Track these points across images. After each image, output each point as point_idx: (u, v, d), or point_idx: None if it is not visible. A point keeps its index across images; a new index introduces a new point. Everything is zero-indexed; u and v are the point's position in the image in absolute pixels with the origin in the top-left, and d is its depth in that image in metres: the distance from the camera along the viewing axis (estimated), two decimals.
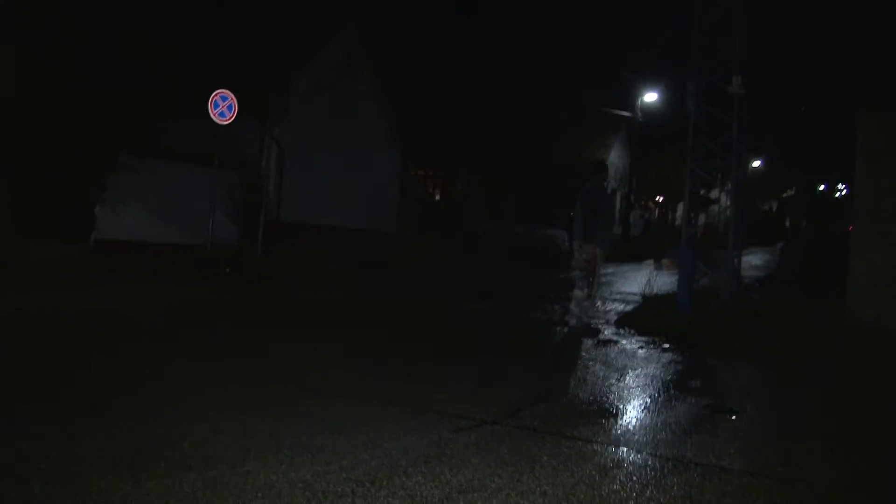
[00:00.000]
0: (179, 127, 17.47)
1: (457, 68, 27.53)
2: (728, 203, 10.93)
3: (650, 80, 30.49)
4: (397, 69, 24.00)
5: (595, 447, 4.54)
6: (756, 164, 35.43)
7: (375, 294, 12.68)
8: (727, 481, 4.02)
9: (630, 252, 28.01)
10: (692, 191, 10.63)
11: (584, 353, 7.88)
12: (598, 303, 11.74)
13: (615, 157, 35.35)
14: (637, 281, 17.77)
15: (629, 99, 31.46)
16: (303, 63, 19.82)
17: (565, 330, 9.38)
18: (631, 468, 4.16)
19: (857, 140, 8.60)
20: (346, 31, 21.55)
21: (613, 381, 6.56)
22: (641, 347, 8.31)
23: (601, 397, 5.92)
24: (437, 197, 33.08)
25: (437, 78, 26.59)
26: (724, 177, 11.65)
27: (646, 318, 9.71)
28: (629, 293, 14.37)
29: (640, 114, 31.24)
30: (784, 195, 45.91)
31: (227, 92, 14.09)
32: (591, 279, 9.13)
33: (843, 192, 41.82)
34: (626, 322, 9.86)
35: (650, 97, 31.15)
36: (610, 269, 21.71)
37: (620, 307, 11.83)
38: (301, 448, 4.17)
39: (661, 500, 3.70)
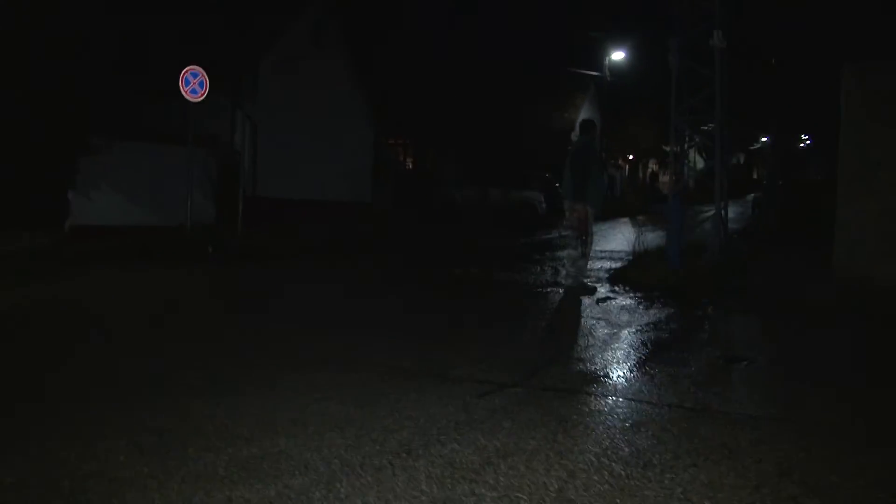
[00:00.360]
0: (149, 106, 17.11)
1: (425, 35, 27.20)
2: (697, 160, 10.97)
3: (617, 39, 30.46)
4: (366, 39, 23.66)
5: (620, 402, 4.57)
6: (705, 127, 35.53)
7: (364, 266, 12.60)
8: (756, 427, 4.08)
9: (605, 210, 28.13)
10: (677, 146, 10.60)
11: (585, 312, 7.91)
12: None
13: (585, 117, 35.33)
14: (615, 238, 17.95)
15: (597, 58, 31.43)
16: (271, 37, 19.44)
17: (561, 290, 9.39)
18: (661, 421, 4.19)
19: (841, 89, 8.65)
20: (315, 5, 21.16)
21: (621, 337, 6.60)
22: (640, 303, 8.36)
23: (613, 354, 5.95)
24: (410, 165, 32.87)
25: (406, 46, 26.21)
26: (694, 133, 11.69)
27: (638, 274, 9.76)
28: (612, 251, 14.48)
29: (608, 73, 31.23)
30: (751, 148, 46.41)
31: (197, 68, 13.74)
32: (583, 238, 9.13)
33: (808, 143, 42.40)
34: (620, 279, 9.92)
35: (618, 56, 31.16)
36: None
37: (608, 265, 11.88)
38: (328, 423, 4.12)
39: (700, 449, 3.72)
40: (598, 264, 12.12)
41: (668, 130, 11.32)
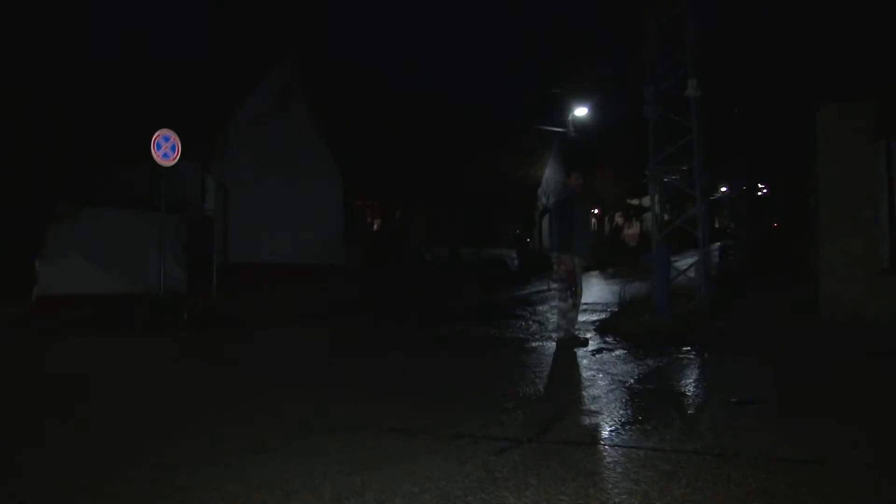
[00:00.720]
0: (117, 171, 16.88)
1: (391, 97, 27.54)
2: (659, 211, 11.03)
3: (580, 95, 31.13)
4: (332, 100, 23.86)
5: (642, 453, 4.41)
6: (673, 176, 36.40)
7: (346, 329, 12.35)
8: (791, 471, 3.95)
9: None
10: (656, 194, 10.67)
11: (583, 364, 7.77)
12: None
13: (550, 174, 35.85)
14: (590, 290, 17.90)
15: (561, 114, 32.06)
16: (239, 100, 19.49)
17: (553, 343, 9.26)
18: (691, 468, 4.04)
19: (818, 129, 8.82)
20: (280, 67, 21.32)
21: (626, 387, 6.46)
22: (636, 353, 8.27)
23: (622, 404, 5.81)
24: (376, 226, 32.89)
25: (372, 107, 26.48)
26: (670, 181, 11.82)
27: (627, 324, 9.70)
28: (591, 303, 14.41)
29: (572, 129, 31.80)
30: (711, 198, 47.30)
31: (169, 132, 13.59)
32: (572, 289, 9.05)
33: (764, 192, 43.40)
34: (609, 329, 9.84)
35: (581, 112, 31.77)
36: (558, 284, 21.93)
37: (591, 317, 11.82)
38: (343, 489, 3.90)
39: (740, 496, 3.58)
40: (581, 317, 12.04)
41: (645, 181, 11.42)
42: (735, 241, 22.17)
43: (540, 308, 14.28)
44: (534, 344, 9.44)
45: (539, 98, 32.38)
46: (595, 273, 26.33)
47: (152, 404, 6.16)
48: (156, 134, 13.56)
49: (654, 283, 10.19)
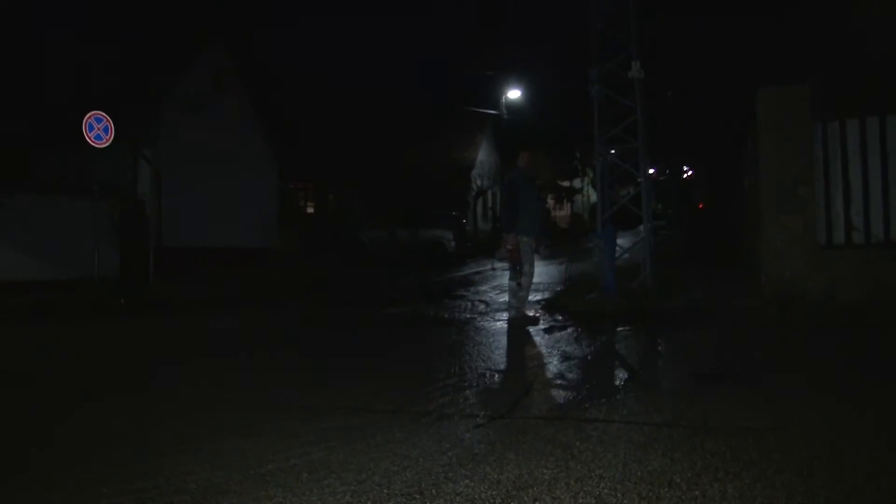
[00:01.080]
0: (42, 156, 16.20)
1: (323, 78, 27.15)
2: (591, 193, 11.21)
3: (514, 77, 31.31)
4: (265, 82, 23.39)
5: (615, 427, 4.47)
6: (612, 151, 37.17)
7: (291, 311, 12.18)
8: (761, 439, 4.07)
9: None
10: (602, 176, 10.82)
11: (538, 341, 7.84)
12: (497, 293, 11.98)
13: (483, 156, 36.02)
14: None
15: (493, 97, 32.17)
16: (171, 82, 18.87)
17: (502, 323, 9.31)
18: (665, 441, 4.12)
19: (758, 112, 9.08)
20: (212, 49, 20.74)
21: (586, 364, 6.57)
22: (589, 330, 8.39)
23: (585, 380, 5.91)
24: (311, 209, 32.46)
25: (305, 89, 26.06)
26: (587, 165, 12.00)
27: (574, 302, 9.83)
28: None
29: (504, 111, 31.97)
30: (639, 179, 48.26)
31: (101, 114, 13.08)
32: (517, 268, 9.09)
33: (690, 175, 44.59)
34: (557, 309, 9.94)
35: (514, 94, 31.96)
36: (495, 265, 22.12)
37: (535, 296, 11.90)
38: (321, 469, 3.84)
39: (716, 465, 3.68)
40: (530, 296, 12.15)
41: (576, 163, 11.53)
42: (668, 221, 22.73)
43: (482, 288, 14.35)
44: (484, 323, 9.46)
45: (473, 81, 32.38)
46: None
47: (100, 396, 5.93)
48: (87, 115, 13.05)
49: (600, 262, 10.35)
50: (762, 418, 4.52)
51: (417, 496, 3.46)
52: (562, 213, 48.43)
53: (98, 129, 13.04)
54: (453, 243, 24.16)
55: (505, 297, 12.11)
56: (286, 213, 24.39)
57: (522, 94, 32.25)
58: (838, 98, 8.75)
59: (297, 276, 17.77)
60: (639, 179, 10.75)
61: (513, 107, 33.09)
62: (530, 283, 9.00)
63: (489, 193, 35.66)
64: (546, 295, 11.99)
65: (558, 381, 5.85)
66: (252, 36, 23.42)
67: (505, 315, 9.64)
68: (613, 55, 10.65)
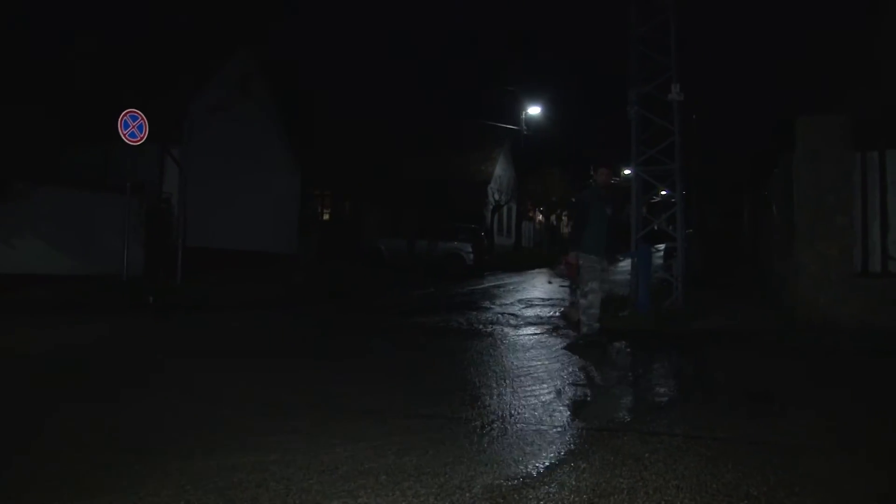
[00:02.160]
0: (69, 152, 16.36)
1: (347, 88, 27.36)
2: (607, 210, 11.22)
3: (535, 94, 31.53)
4: (291, 89, 23.58)
5: (682, 440, 4.54)
6: (627, 171, 37.38)
7: (320, 316, 12.23)
8: (827, 458, 4.17)
9: (520, 261, 28.79)
10: (637, 195, 10.93)
11: (582, 356, 7.78)
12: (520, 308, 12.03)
13: (501, 171, 36.19)
14: (545, 288, 18.23)
15: (513, 112, 32.40)
16: (200, 84, 19.04)
17: (539, 335, 9.37)
18: (734, 455, 4.20)
19: (796, 139, 9.20)
20: (240, 54, 20.94)
21: (635, 378, 6.70)
22: (633, 346, 8.49)
23: (638, 394, 6.01)
24: (327, 216, 32.62)
25: (331, 97, 26.28)
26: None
27: (609, 319, 9.85)
28: (551, 298, 14.65)
29: (524, 127, 32.17)
30: (652, 201, 48.42)
31: (136, 112, 13.28)
32: (574, 287, 9.11)
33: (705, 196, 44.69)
34: None
35: (534, 110, 32.16)
36: (513, 279, 22.22)
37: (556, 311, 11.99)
38: (398, 472, 3.92)
39: (791, 480, 3.76)
40: (549, 312, 12.23)
41: (591, 181, 11.57)
42: (690, 242, 22.76)
43: (506, 301, 14.42)
44: (519, 336, 9.41)
45: (492, 96, 32.62)
46: (542, 270, 26.76)
47: (130, 393, 5.98)
48: (123, 113, 13.23)
49: (634, 279, 10.45)
50: (822, 437, 4.62)
51: (501, 500, 3.55)
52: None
53: (133, 127, 13.21)
54: (472, 256, 24.23)
55: (531, 312, 12.24)
56: (304, 219, 24.50)
57: (542, 111, 32.48)
58: (876, 128, 8.88)
59: (320, 282, 17.87)
60: (672, 199, 10.84)
61: (532, 123, 33.30)
62: (596, 301, 8.54)
63: (505, 209, 35.79)
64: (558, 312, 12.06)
65: (611, 395, 5.94)
66: (279, 42, 23.60)
67: (536, 329, 9.72)
68: (651, 78, 10.78)
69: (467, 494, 3.62)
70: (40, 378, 6.47)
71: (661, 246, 30.14)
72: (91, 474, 3.88)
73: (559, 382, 6.42)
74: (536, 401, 5.66)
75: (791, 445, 4.42)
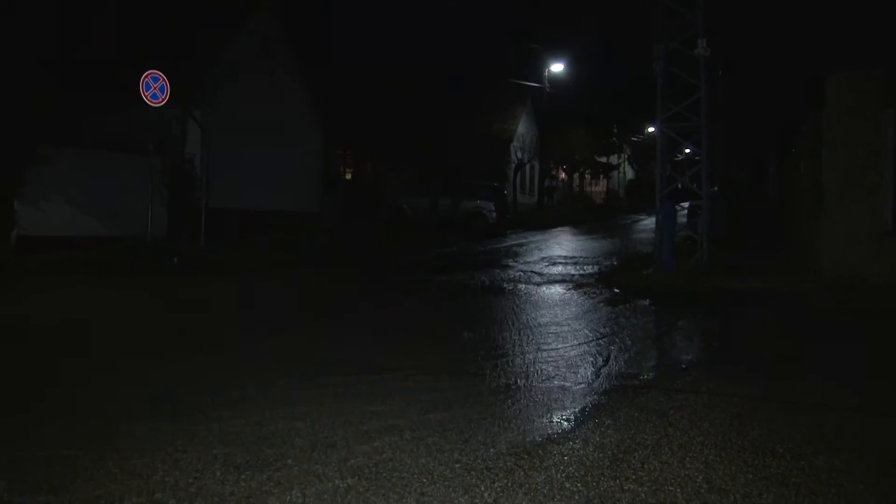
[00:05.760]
0: (87, 113, 16.38)
1: (368, 47, 27.12)
2: (627, 170, 11.15)
3: (557, 52, 31.00)
4: (313, 50, 23.41)
5: (707, 397, 4.54)
6: (651, 129, 36.96)
7: (344, 276, 12.29)
8: (855, 418, 4.15)
9: (545, 219, 28.71)
10: (662, 152, 10.78)
11: (606, 313, 7.78)
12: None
13: (524, 129, 35.81)
14: (568, 245, 18.19)
15: (536, 70, 31.92)
16: (220, 45, 18.91)
17: (566, 292, 9.35)
18: (760, 412, 4.20)
19: (827, 96, 8.98)
20: (260, 14, 20.75)
21: (660, 336, 6.70)
22: (656, 305, 8.49)
23: (663, 352, 6.03)
24: (356, 176, 32.55)
25: (352, 57, 26.06)
26: (623, 142, 11.92)
27: (633, 277, 9.85)
28: (574, 257, 14.59)
29: (547, 84, 31.73)
30: (675, 159, 47.90)
31: (158, 73, 13.25)
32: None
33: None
34: (615, 282, 9.94)
35: (557, 68, 31.68)
36: (536, 237, 22.15)
37: (588, 269, 11.95)
38: (423, 428, 3.95)
39: (817, 439, 3.74)
40: (572, 270, 12.18)
41: (614, 139, 11.45)
42: (716, 202, 22.47)
43: (529, 259, 14.36)
44: (543, 293, 9.40)
45: (515, 53, 32.10)
46: (566, 228, 26.69)
47: (159, 350, 6.07)
48: (144, 74, 13.21)
49: (658, 237, 10.36)
50: (850, 397, 4.58)
51: (525, 456, 3.56)
52: (597, 188, 48.17)
53: (154, 88, 13.21)
54: (494, 214, 24.10)
55: (555, 270, 12.20)
56: (327, 179, 24.47)
57: (565, 68, 31.98)
58: None
59: (344, 241, 17.94)
60: (696, 157, 10.68)
61: (555, 80, 32.82)
62: None
63: (528, 167, 35.52)
64: (596, 268, 12.03)
65: (635, 352, 5.92)
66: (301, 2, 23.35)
67: (560, 287, 9.69)
68: (677, 32, 10.55)
69: (492, 450, 3.64)
70: (61, 343, 6.59)
71: (686, 204, 29.94)
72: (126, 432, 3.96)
73: (583, 339, 6.42)
74: (560, 358, 5.67)
75: (818, 404, 4.40)
